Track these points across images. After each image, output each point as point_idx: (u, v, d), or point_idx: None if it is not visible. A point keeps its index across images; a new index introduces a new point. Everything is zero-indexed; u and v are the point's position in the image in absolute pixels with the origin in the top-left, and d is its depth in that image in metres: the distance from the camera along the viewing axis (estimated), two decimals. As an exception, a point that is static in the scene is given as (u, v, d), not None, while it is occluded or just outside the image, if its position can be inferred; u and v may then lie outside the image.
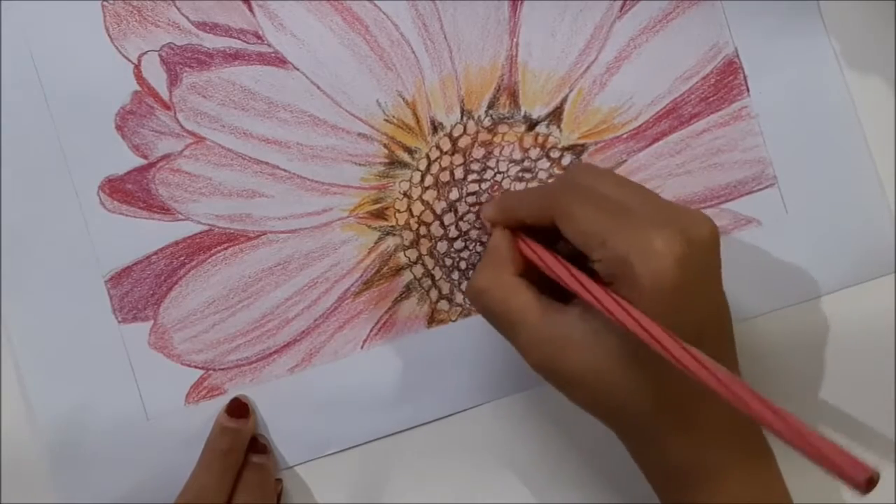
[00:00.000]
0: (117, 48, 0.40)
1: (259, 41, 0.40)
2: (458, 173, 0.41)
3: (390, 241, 0.41)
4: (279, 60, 0.40)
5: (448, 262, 0.41)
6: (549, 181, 0.40)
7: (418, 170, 0.41)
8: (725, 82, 0.41)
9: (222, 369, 0.40)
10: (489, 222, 0.37)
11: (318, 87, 0.40)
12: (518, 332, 0.34)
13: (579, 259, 0.33)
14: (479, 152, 0.41)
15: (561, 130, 0.41)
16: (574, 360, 0.32)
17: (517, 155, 0.41)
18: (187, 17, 0.40)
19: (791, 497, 0.34)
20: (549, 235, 0.34)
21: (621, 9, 0.41)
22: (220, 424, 0.39)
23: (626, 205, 0.32)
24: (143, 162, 0.40)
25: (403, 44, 0.40)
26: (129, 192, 0.40)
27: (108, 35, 0.40)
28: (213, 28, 0.40)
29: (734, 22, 0.41)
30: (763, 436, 0.34)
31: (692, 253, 0.31)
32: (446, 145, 0.41)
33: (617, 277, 0.31)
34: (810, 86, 0.41)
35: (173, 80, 0.40)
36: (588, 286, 0.31)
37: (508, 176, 0.41)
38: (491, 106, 0.41)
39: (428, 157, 0.41)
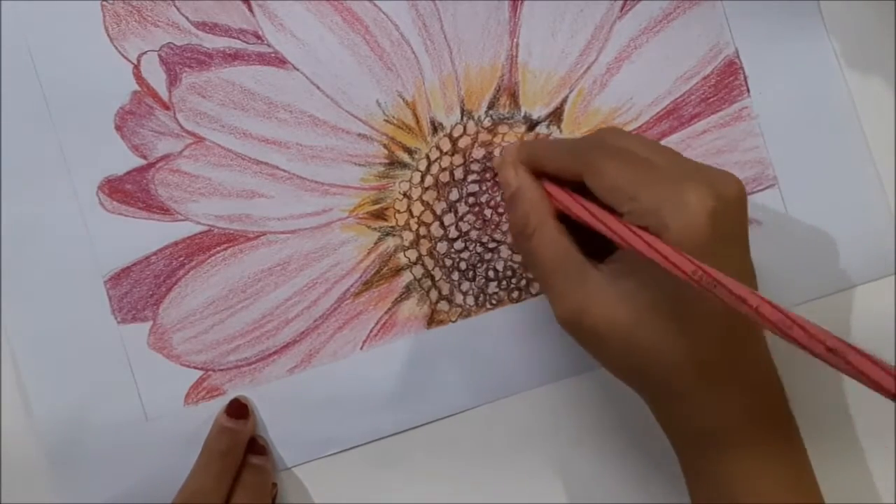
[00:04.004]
0: (117, 48, 0.40)
1: (259, 41, 0.40)
2: (458, 174, 0.41)
3: (390, 242, 0.41)
4: (279, 60, 0.40)
5: (448, 262, 0.41)
6: (574, 137, 0.39)
7: (418, 170, 0.41)
8: (726, 83, 0.41)
9: (222, 370, 0.40)
10: (510, 165, 0.36)
11: (318, 88, 0.40)
12: (553, 282, 0.33)
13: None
14: (479, 153, 0.41)
15: (561, 131, 0.41)
16: (604, 316, 0.32)
17: (517, 155, 0.41)
18: (187, 17, 0.40)
19: (817, 482, 0.33)
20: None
21: (622, 9, 0.41)
22: (220, 425, 0.39)
23: (656, 162, 0.32)
24: (142, 162, 0.40)
25: (403, 44, 0.40)
26: (129, 192, 0.40)
27: (108, 35, 0.40)
28: (212, 28, 0.40)
29: (735, 22, 0.41)
30: (787, 404, 0.34)
31: (723, 209, 0.31)
32: (446, 146, 0.41)
33: (647, 230, 0.31)
34: (811, 86, 0.41)
35: (173, 81, 0.40)
36: (629, 231, 0.31)
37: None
38: (491, 106, 0.41)
39: (428, 157, 0.41)
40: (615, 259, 0.33)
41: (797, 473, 0.33)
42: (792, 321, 0.27)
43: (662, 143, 0.41)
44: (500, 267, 0.41)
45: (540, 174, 0.35)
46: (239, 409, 0.39)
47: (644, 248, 0.30)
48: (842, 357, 0.26)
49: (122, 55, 0.40)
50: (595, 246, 0.34)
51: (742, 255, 0.33)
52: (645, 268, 0.31)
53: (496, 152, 0.41)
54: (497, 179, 0.40)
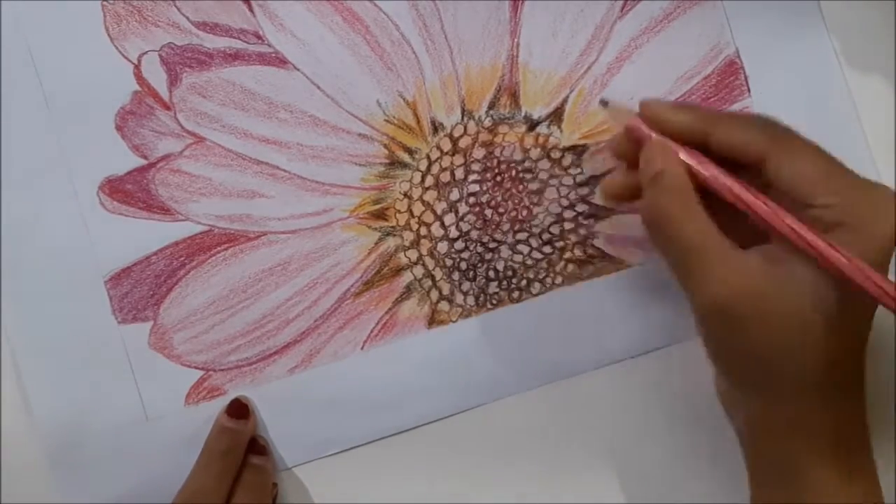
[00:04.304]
0: (117, 48, 0.40)
1: (259, 41, 0.40)
2: (459, 174, 0.41)
3: (390, 242, 0.41)
4: (279, 60, 0.40)
5: (448, 262, 0.41)
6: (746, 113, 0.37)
7: (419, 170, 0.41)
8: (726, 82, 0.41)
9: (222, 370, 0.40)
10: (644, 126, 0.34)
11: (319, 88, 0.40)
12: (700, 265, 0.31)
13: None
14: (479, 153, 0.41)
15: (562, 131, 0.41)
16: (767, 303, 0.31)
17: (518, 155, 0.41)
18: (187, 17, 0.40)
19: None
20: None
21: (622, 9, 0.41)
22: (220, 425, 0.39)
23: (837, 161, 0.32)
24: (143, 162, 0.40)
25: (404, 44, 0.40)
26: (129, 192, 0.40)
27: (108, 35, 0.40)
28: (213, 28, 0.40)
29: (735, 22, 0.41)
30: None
31: None
32: (447, 146, 0.41)
33: (842, 226, 0.30)
34: (811, 86, 0.41)
35: (173, 81, 0.40)
36: (796, 224, 0.30)
37: (509, 176, 0.41)
38: (491, 106, 0.41)
39: (428, 157, 0.41)
40: (768, 248, 0.32)
41: (867, 494, 0.33)
42: None
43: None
44: (500, 267, 0.41)
45: (696, 146, 0.33)
46: (239, 409, 0.39)
47: (805, 244, 0.30)
48: None
49: (123, 55, 0.40)
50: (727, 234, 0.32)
51: None
52: (798, 259, 0.30)
53: (500, 151, 0.41)
54: (533, 196, 0.40)
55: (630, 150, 0.35)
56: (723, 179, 0.32)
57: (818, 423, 0.32)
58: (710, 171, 0.33)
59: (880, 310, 0.41)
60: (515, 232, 0.41)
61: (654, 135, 0.34)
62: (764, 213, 0.31)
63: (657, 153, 0.33)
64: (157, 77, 0.40)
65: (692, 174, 0.33)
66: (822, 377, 0.31)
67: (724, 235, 0.32)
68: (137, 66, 0.40)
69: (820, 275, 0.30)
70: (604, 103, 0.36)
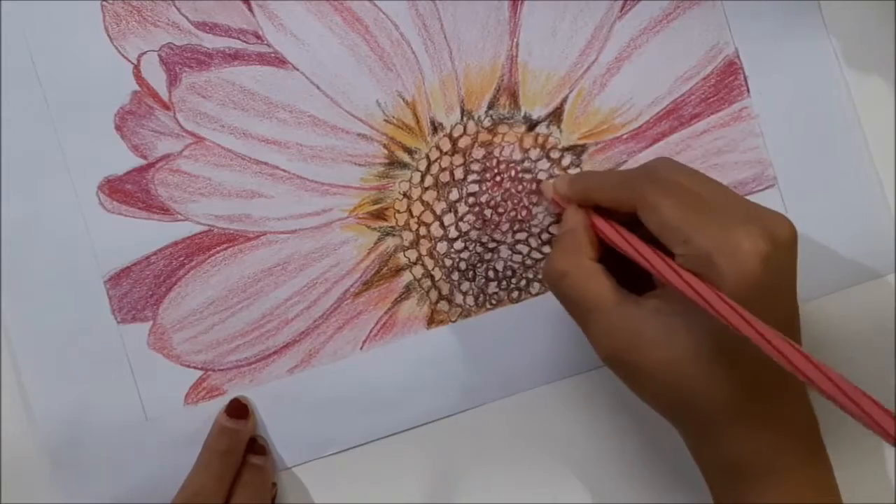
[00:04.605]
0: (117, 48, 0.40)
1: (259, 41, 0.40)
2: (458, 174, 0.41)
3: (390, 242, 0.41)
4: (279, 60, 0.40)
5: (448, 262, 0.41)
6: (627, 169, 0.39)
7: (418, 170, 0.41)
8: (726, 83, 0.41)
9: (222, 370, 0.40)
10: (559, 199, 0.37)
11: (318, 88, 0.40)
12: (592, 320, 0.34)
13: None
14: (479, 153, 0.41)
15: (561, 131, 0.41)
16: (648, 354, 0.32)
17: (517, 155, 0.41)
18: (187, 18, 0.40)
19: (842, 498, 0.34)
20: (622, 223, 0.34)
21: (622, 9, 0.41)
22: (220, 425, 0.39)
23: (710, 201, 0.32)
24: (142, 162, 0.40)
25: (403, 44, 0.40)
26: (129, 192, 0.40)
27: (108, 35, 0.40)
28: (212, 28, 0.40)
29: (734, 22, 0.41)
30: (820, 437, 0.34)
31: (775, 253, 0.31)
32: (446, 146, 0.41)
33: (699, 274, 0.31)
34: (810, 86, 0.41)
35: (173, 80, 0.40)
36: (678, 270, 0.31)
37: (508, 176, 0.41)
38: (491, 106, 0.41)
39: (428, 157, 0.41)
40: (658, 294, 0.33)
41: (831, 498, 0.33)
42: (826, 377, 0.28)
43: (662, 143, 0.41)
44: (499, 267, 0.41)
45: (589, 206, 0.36)
46: (239, 409, 0.39)
47: (690, 293, 0.31)
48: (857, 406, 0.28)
49: (122, 55, 0.40)
50: (635, 278, 0.34)
51: (790, 299, 0.33)
52: (690, 306, 0.31)
53: (499, 151, 0.41)
54: (532, 196, 0.41)
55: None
56: (603, 227, 0.35)
57: (736, 454, 0.33)
58: (596, 221, 0.35)
59: (881, 308, 0.41)
60: (515, 232, 0.41)
61: (567, 205, 0.37)
62: (633, 255, 0.33)
63: (565, 217, 0.37)
64: (157, 77, 0.40)
65: (602, 235, 0.35)
66: (730, 416, 0.32)
67: (619, 287, 0.34)
68: (137, 66, 0.40)
69: (711, 319, 0.31)
70: (538, 184, 0.40)
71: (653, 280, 0.34)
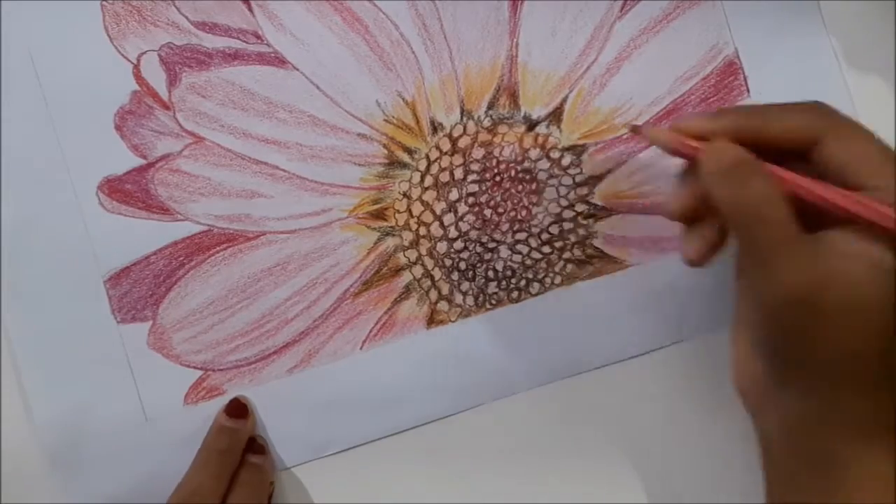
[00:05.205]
0: (116, 48, 0.40)
1: (258, 41, 0.40)
2: (458, 174, 0.41)
3: (390, 242, 0.41)
4: (279, 60, 0.40)
5: (448, 262, 0.41)
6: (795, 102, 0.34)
7: (418, 170, 0.41)
8: (725, 83, 0.41)
9: (221, 370, 0.40)
10: (686, 140, 0.33)
11: (318, 87, 0.40)
12: (778, 253, 0.30)
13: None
14: (478, 153, 0.41)
15: (561, 131, 0.41)
16: (853, 290, 0.29)
17: (517, 155, 0.41)
18: (187, 17, 0.40)
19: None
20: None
21: (621, 9, 0.41)
22: (219, 424, 0.39)
23: (891, 148, 0.31)
24: (142, 162, 0.40)
25: (403, 44, 0.40)
26: (128, 192, 0.40)
27: (108, 35, 0.40)
28: (212, 28, 0.40)
29: (734, 22, 0.41)
30: None
31: None
32: (446, 146, 0.41)
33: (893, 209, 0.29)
34: (810, 86, 0.41)
35: (172, 80, 0.40)
36: (874, 204, 0.29)
37: (508, 176, 0.41)
38: (491, 106, 0.41)
39: (427, 157, 0.41)
40: (835, 235, 0.30)
41: None
42: None
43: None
44: (499, 267, 0.41)
45: (750, 142, 0.32)
46: (238, 409, 0.39)
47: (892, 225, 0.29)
48: None
49: (122, 55, 0.40)
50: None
51: None
52: (877, 242, 0.29)
53: (499, 151, 0.41)
54: (532, 196, 0.40)
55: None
56: (800, 181, 0.31)
57: (874, 412, 0.30)
58: (786, 175, 0.32)
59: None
60: (514, 232, 0.41)
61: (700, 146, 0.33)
62: (842, 202, 0.30)
63: (726, 152, 0.32)
64: (157, 77, 0.40)
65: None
66: (892, 367, 0.30)
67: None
68: (137, 66, 0.40)
69: None
70: (635, 129, 0.35)
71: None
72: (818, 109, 0.32)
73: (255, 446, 0.40)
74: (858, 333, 0.30)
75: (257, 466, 0.39)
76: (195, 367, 0.40)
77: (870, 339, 0.30)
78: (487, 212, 0.41)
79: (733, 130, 0.32)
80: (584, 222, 0.41)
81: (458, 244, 0.41)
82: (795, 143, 0.32)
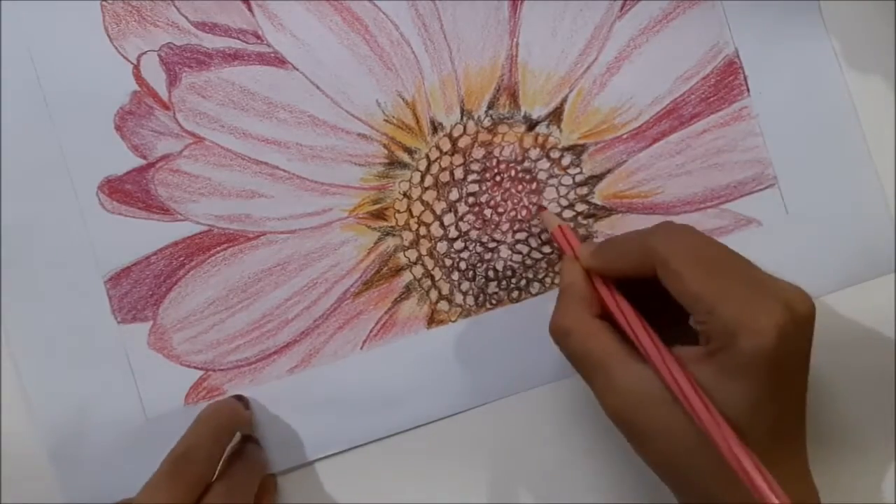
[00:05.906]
0: (116, 48, 0.40)
1: (258, 41, 0.40)
2: (458, 174, 0.41)
3: (390, 242, 0.41)
4: (279, 60, 0.40)
5: (448, 262, 0.41)
6: (646, 231, 0.36)
7: (418, 170, 0.41)
8: (725, 82, 0.41)
9: (222, 370, 0.40)
10: (561, 241, 0.38)
11: (318, 88, 0.40)
12: (598, 378, 0.34)
13: (670, 310, 0.33)
14: (478, 152, 0.41)
15: (561, 130, 0.41)
16: (651, 417, 0.32)
17: (517, 155, 0.41)
18: (187, 17, 0.40)
19: (844, 499, 0.34)
20: (636, 284, 0.34)
21: (621, 9, 0.41)
22: (219, 399, 0.39)
23: (731, 272, 0.32)
24: (142, 162, 0.40)
25: (403, 44, 0.40)
26: (129, 192, 0.40)
27: (108, 35, 0.40)
28: (212, 28, 0.40)
29: (734, 22, 0.41)
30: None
31: (795, 330, 0.31)
32: (446, 146, 0.41)
33: (719, 345, 0.31)
34: (810, 86, 0.41)
35: (172, 80, 0.40)
36: (664, 355, 0.32)
37: (508, 176, 0.41)
38: (491, 106, 0.41)
39: (428, 157, 0.41)
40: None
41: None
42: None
43: (662, 143, 0.41)
44: (499, 267, 0.41)
45: (613, 276, 0.35)
46: (239, 397, 0.40)
47: (669, 379, 0.31)
48: None
49: (122, 55, 0.40)
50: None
51: (802, 375, 0.33)
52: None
53: (499, 151, 0.41)
54: (532, 196, 0.41)
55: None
56: (606, 297, 0.35)
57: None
58: (599, 288, 0.35)
59: (881, 308, 0.41)
60: (515, 232, 0.41)
61: (568, 251, 0.38)
62: (645, 347, 0.33)
63: (564, 269, 0.37)
64: (157, 77, 0.40)
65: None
66: (716, 483, 0.32)
67: (625, 344, 0.33)
68: (137, 66, 0.40)
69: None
70: (541, 208, 0.40)
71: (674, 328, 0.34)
72: (656, 247, 0.33)
73: (252, 440, 0.39)
74: (673, 452, 0.32)
75: (254, 448, 0.39)
76: (196, 367, 0.40)
77: (678, 455, 0.32)
78: (487, 212, 0.41)
79: (604, 269, 0.36)
80: (584, 222, 0.41)
81: (459, 244, 0.41)
82: (637, 277, 0.34)
